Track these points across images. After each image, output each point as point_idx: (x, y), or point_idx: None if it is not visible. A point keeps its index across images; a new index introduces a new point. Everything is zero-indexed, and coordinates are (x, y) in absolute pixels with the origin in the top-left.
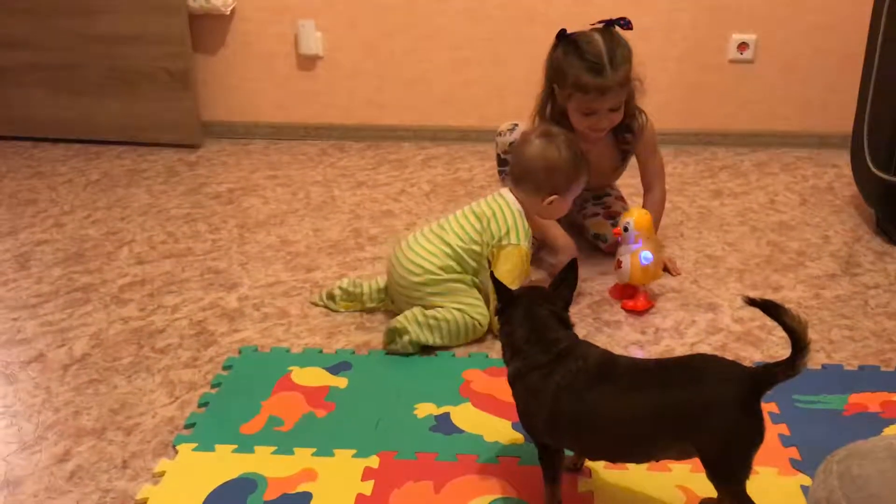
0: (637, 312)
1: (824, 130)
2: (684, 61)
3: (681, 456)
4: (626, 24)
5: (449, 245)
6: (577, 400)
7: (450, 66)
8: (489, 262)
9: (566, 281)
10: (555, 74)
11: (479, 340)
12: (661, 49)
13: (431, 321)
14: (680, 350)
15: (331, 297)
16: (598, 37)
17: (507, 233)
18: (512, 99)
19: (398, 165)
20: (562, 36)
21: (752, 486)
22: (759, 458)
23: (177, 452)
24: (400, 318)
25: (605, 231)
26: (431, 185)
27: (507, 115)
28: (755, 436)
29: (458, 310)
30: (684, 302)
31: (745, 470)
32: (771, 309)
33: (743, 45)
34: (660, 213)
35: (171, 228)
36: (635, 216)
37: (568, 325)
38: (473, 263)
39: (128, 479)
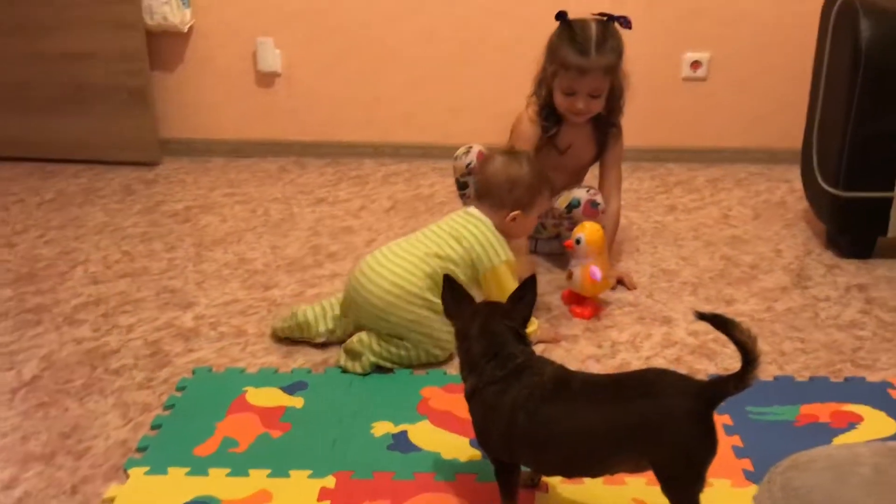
0: (584, 318)
1: (776, 146)
2: (639, 79)
3: (636, 469)
4: (625, 22)
5: (427, 263)
6: (533, 416)
7: (408, 84)
8: (447, 277)
9: (525, 298)
10: (548, 52)
11: None
12: None
13: (385, 353)
14: (636, 363)
15: (292, 317)
16: (593, 24)
17: (496, 252)
18: (470, 117)
19: (358, 182)
20: (560, 17)
21: (706, 499)
22: (713, 470)
23: (128, 477)
24: (356, 340)
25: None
26: (392, 202)
27: (467, 132)
28: (708, 449)
29: (417, 343)
30: (640, 316)
31: (698, 483)
32: (721, 323)
33: (696, 64)
34: (616, 225)
35: (126, 247)
36: (587, 231)
37: (525, 342)
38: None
39: None
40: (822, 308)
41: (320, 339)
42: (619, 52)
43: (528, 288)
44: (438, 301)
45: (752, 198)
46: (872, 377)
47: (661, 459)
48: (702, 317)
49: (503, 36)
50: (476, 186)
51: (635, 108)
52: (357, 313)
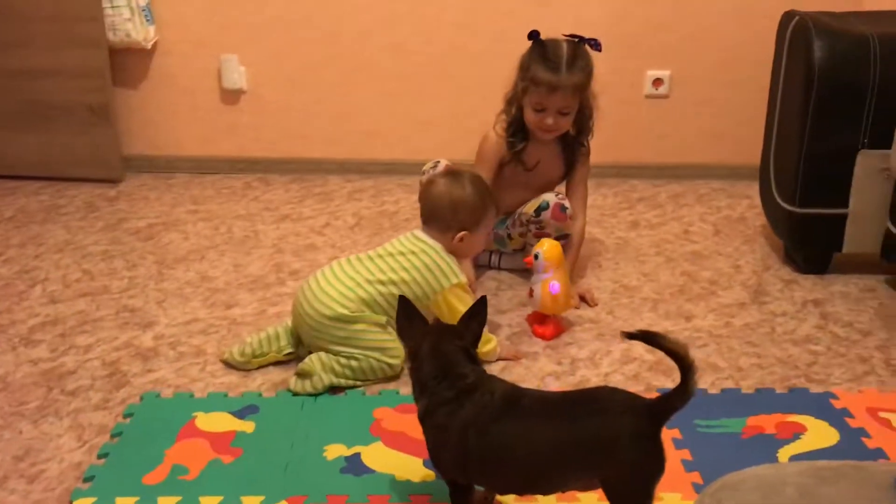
0: (545, 338)
1: (737, 162)
2: (602, 97)
3: (587, 487)
4: (596, 44)
5: (364, 289)
6: (483, 435)
7: (375, 99)
8: (402, 298)
9: (476, 317)
10: (520, 69)
11: (389, 378)
12: None
13: (336, 366)
14: (595, 380)
15: (242, 355)
16: (564, 44)
17: (445, 276)
18: (438, 133)
19: (323, 198)
20: (533, 37)
21: None
22: (663, 485)
23: None
24: (306, 360)
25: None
26: (357, 218)
27: (433, 148)
28: (657, 466)
29: (365, 356)
30: (600, 332)
31: (647, 500)
32: (648, 339)
33: (658, 81)
34: (580, 243)
35: (87, 266)
36: (546, 247)
37: (476, 361)
38: (387, 306)
39: None
40: (778, 323)
41: (287, 351)
42: (588, 71)
43: (478, 308)
44: (374, 316)
45: (713, 214)
46: (823, 391)
47: (611, 477)
48: (630, 336)
49: (471, 51)
50: (421, 210)
51: (599, 124)
52: (301, 334)
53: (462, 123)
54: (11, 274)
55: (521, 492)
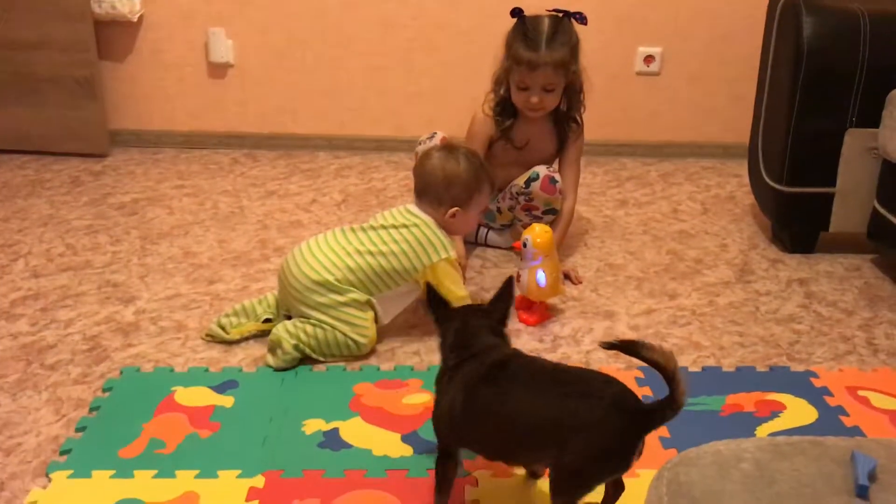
0: (529, 324)
1: (728, 141)
2: (593, 74)
3: (543, 460)
4: (581, 18)
5: (353, 259)
6: (469, 398)
7: (363, 74)
8: (428, 286)
9: (503, 297)
10: (505, 48)
11: (370, 351)
12: None
13: (303, 335)
14: (576, 357)
15: (221, 327)
16: (546, 19)
17: (435, 250)
18: (426, 108)
19: (311, 175)
20: (515, 14)
21: (635, 488)
22: (640, 462)
23: (50, 481)
24: (274, 331)
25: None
26: (343, 195)
27: (421, 124)
28: (620, 466)
29: (333, 327)
30: (583, 310)
31: (589, 489)
32: (629, 349)
33: (649, 58)
34: (569, 223)
35: (70, 240)
36: (535, 233)
37: (501, 335)
38: (374, 277)
39: (3, 503)
40: (762, 302)
41: (266, 318)
42: (570, 46)
43: (506, 289)
44: (356, 293)
45: (702, 192)
46: (804, 369)
47: (572, 458)
48: (609, 346)
49: (460, 26)
50: (414, 183)
51: (590, 102)
52: (282, 298)
53: (450, 99)
54: None
55: (497, 458)
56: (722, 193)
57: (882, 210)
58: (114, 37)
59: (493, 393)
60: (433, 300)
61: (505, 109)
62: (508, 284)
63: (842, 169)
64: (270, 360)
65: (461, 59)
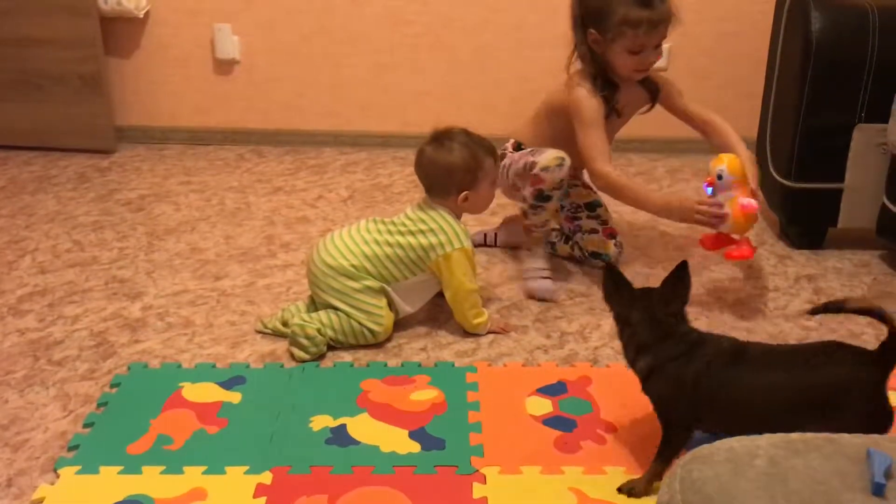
0: (747, 261)
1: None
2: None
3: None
4: None
5: (370, 247)
6: (717, 383)
7: (370, 70)
8: (608, 269)
9: (681, 281)
10: (593, 18)
11: (377, 348)
12: None
13: (324, 317)
14: (583, 354)
15: (285, 323)
16: None
17: (448, 241)
18: (432, 104)
19: (317, 171)
20: None
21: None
22: (644, 458)
23: (58, 477)
24: (291, 323)
25: (607, 249)
26: (350, 191)
27: (428, 120)
28: (889, 418)
29: (348, 314)
30: (591, 306)
31: None
32: (835, 308)
33: None
34: (734, 131)
35: (77, 236)
36: (727, 161)
37: (687, 321)
38: (391, 265)
39: (12, 499)
40: (771, 298)
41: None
42: None
43: (682, 273)
44: (370, 280)
45: None
46: None
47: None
48: (814, 312)
49: (467, 22)
50: (421, 182)
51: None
52: (309, 285)
53: (457, 95)
54: (1, 244)
55: (749, 432)
56: None
57: (891, 206)
58: (120, 33)
59: (746, 377)
60: (612, 282)
61: (606, 83)
62: (683, 268)
63: (850, 164)
64: (297, 353)
65: (468, 54)
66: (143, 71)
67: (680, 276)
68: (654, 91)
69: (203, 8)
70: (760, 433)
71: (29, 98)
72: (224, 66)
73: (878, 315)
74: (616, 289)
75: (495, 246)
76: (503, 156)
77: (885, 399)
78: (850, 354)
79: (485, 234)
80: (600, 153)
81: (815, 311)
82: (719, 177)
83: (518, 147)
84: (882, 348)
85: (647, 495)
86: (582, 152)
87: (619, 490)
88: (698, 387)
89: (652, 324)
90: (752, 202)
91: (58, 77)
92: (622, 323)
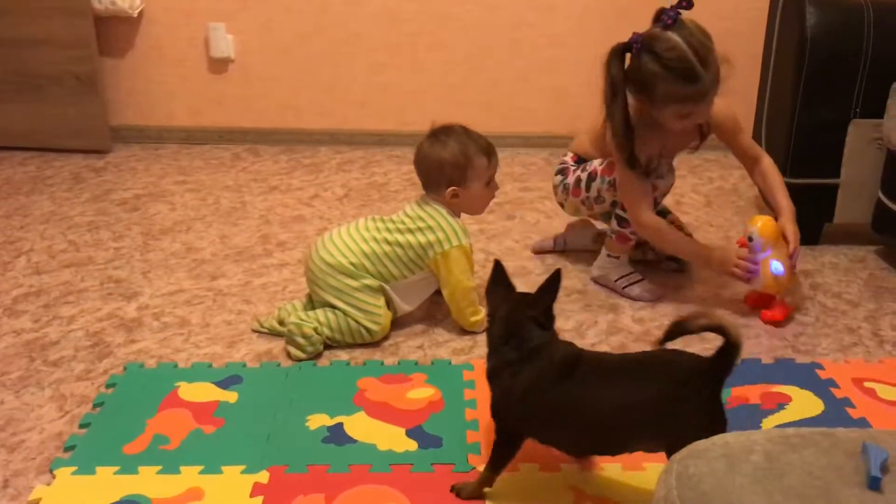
0: (776, 323)
1: None
2: (595, 69)
3: (650, 449)
4: (688, 4)
5: (368, 245)
6: (544, 399)
7: (366, 69)
8: (497, 263)
9: (549, 290)
10: (637, 87)
11: (374, 346)
12: (575, 54)
13: (315, 321)
14: None
15: (281, 322)
16: (675, 37)
17: (447, 238)
18: (428, 102)
19: (313, 170)
20: (631, 47)
21: (642, 482)
22: (647, 455)
23: (55, 477)
24: (288, 321)
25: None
26: (346, 190)
27: (424, 118)
28: (721, 427)
29: (346, 313)
30: (587, 303)
31: None
32: (677, 332)
33: None
34: (780, 176)
35: (72, 237)
36: (759, 224)
37: (546, 328)
38: (389, 263)
39: (8, 500)
40: None
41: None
42: (712, 44)
43: (553, 281)
44: (369, 279)
45: (705, 185)
46: (809, 361)
47: (676, 441)
48: (664, 342)
49: (464, 20)
50: (418, 177)
51: (596, 96)
52: (307, 283)
53: (453, 94)
54: None
55: (585, 453)
56: (725, 186)
57: (887, 201)
58: (114, 33)
59: (578, 392)
60: (495, 278)
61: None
62: (555, 278)
63: (846, 160)
64: (293, 352)
65: (464, 53)
66: (137, 70)
67: (549, 286)
68: (704, 133)
69: (197, 7)
70: (594, 449)
71: (24, 98)
72: (219, 66)
73: (720, 330)
74: (494, 285)
75: (564, 251)
76: (564, 169)
77: (720, 406)
78: (685, 362)
79: (554, 240)
80: (642, 198)
81: (663, 341)
82: (750, 238)
83: (579, 160)
84: (717, 355)
85: (474, 498)
86: (622, 197)
87: (451, 489)
88: (526, 401)
89: (506, 322)
90: (780, 267)
91: (52, 77)
92: (489, 319)
